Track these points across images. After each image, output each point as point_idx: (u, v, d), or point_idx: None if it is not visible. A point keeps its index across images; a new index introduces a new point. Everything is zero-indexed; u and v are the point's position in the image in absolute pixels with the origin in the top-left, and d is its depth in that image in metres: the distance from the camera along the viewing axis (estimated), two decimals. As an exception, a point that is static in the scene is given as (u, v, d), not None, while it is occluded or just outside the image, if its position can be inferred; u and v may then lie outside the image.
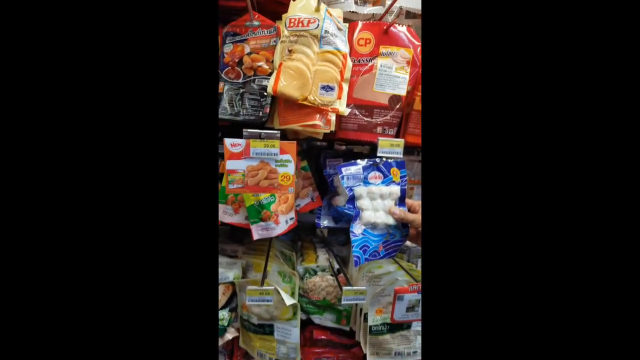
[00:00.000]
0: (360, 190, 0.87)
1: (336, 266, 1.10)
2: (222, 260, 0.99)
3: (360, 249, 0.87)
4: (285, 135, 0.97)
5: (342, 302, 0.83)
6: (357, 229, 0.87)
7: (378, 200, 0.88)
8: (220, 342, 0.88)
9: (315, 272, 1.08)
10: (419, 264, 1.17)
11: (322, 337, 1.06)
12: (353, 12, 0.97)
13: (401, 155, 0.80)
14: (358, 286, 0.93)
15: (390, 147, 0.78)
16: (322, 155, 1.11)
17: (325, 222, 1.08)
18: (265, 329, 0.89)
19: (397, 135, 0.96)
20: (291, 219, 0.95)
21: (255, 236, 0.88)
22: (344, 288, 0.81)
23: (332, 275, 1.06)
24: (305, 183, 1.07)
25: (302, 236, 1.37)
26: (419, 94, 0.90)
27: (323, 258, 1.16)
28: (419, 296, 0.88)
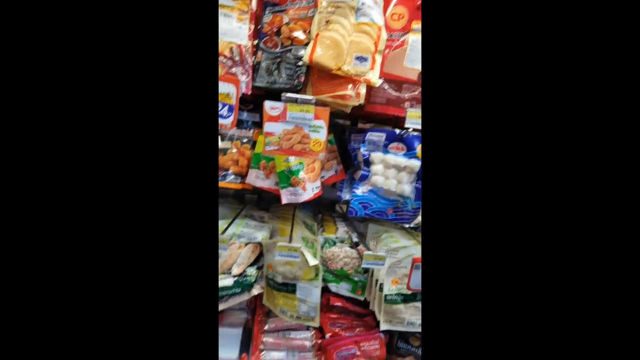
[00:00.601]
0: (375, 156, 0.91)
1: (355, 239, 1.14)
2: (250, 223, 1.06)
3: (360, 204, 0.91)
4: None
5: (362, 266, 0.88)
6: (362, 188, 0.92)
7: (392, 169, 0.92)
8: (247, 296, 0.94)
9: (334, 243, 1.13)
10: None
11: (338, 304, 1.11)
12: (389, -13, 0.99)
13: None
14: (376, 257, 0.97)
15: (418, 119, 0.81)
16: (346, 131, 1.15)
17: (347, 196, 1.13)
18: (289, 288, 0.95)
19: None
20: (317, 187, 1.00)
21: (284, 200, 0.93)
22: (365, 253, 0.86)
23: (350, 247, 1.10)
24: (331, 156, 1.11)
25: (322, 211, 1.42)
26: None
27: (342, 230, 1.21)
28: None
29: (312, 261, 0.88)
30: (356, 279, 1.09)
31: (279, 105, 0.75)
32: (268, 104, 0.75)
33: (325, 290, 1.12)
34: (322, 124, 0.77)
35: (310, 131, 0.76)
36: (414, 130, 0.89)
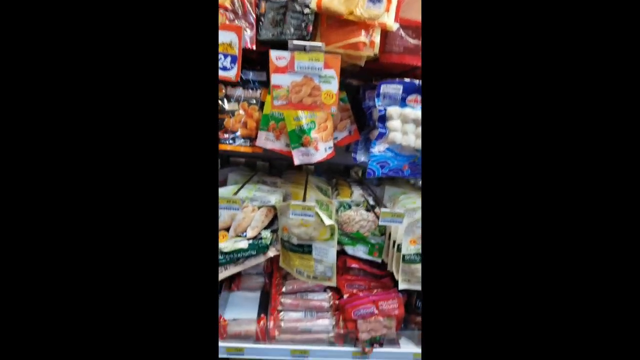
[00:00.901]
0: (392, 110, 0.85)
1: (371, 202, 1.11)
2: (263, 187, 1.04)
3: (378, 164, 0.88)
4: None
5: (380, 223, 0.85)
6: (378, 147, 0.87)
7: (410, 124, 0.86)
8: (263, 258, 0.95)
9: (350, 206, 1.11)
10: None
11: (355, 265, 1.10)
12: None
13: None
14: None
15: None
16: (360, 89, 1.08)
17: (362, 158, 1.09)
18: (304, 249, 0.95)
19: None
20: (330, 147, 0.96)
21: (296, 161, 0.90)
22: (382, 210, 0.83)
23: (366, 210, 1.08)
24: (344, 115, 1.06)
25: (337, 176, 1.39)
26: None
27: (357, 194, 1.18)
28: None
29: (328, 221, 0.86)
30: (373, 241, 1.07)
31: (285, 54, 0.70)
32: (274, 54, 0.70)
33: (341, 253, 1.12)
34: (333, 73, 0.71)
35: (320, 82, 0.71)
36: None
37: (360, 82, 1.18)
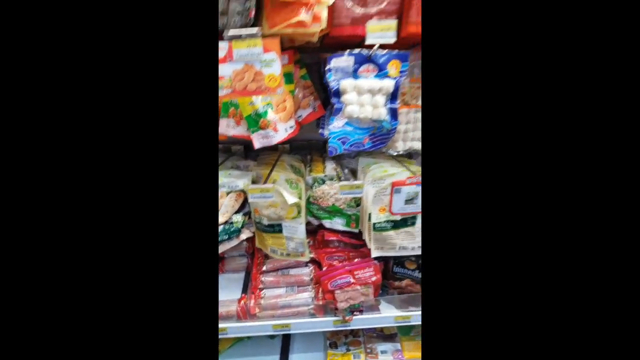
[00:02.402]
0: (346, 83, 0.85)
1: (345, 175, 1.13)
2: (234, 172, 1.06)
3: (339, 140, 0.89)
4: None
5: (340, 195, 0.88)
6: (337, 122, 0.88)
7: (366, 95, 0.86)
8: (236, 242, 0.99)
9: (324, 181, 1.13)
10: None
11: (333, 238, 1.14)
12: None
13: (393, 40, 0.75)
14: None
15: (380, 32, 0.72)
16: (321, 63, 1.07)
17: (328, 133, 1.09)
18: (275, 228, 0.99)
19: (398, 27, 0.88)
20: (291, 127, 0.97)
21: (256, 144, 0.92)
22: (340, 183, 0.85)
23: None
24: (306, 92, 1.06)
25: (313, 152, 1.41)
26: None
27: (330, 168, 1.20)
28: (418, 188, 0.89)
29: (291, 199, 0.89)
30: (349, 212, 1.09)
31: (223, 44, 0.69)
32: (211, 43, 0.69)
33: (319, 227, 1.16)
34: (274, 56, 0.71)
35: (262, 67, 0.71)
36: (381, 47, 0.80)
37: (322, 55, 1.16)
